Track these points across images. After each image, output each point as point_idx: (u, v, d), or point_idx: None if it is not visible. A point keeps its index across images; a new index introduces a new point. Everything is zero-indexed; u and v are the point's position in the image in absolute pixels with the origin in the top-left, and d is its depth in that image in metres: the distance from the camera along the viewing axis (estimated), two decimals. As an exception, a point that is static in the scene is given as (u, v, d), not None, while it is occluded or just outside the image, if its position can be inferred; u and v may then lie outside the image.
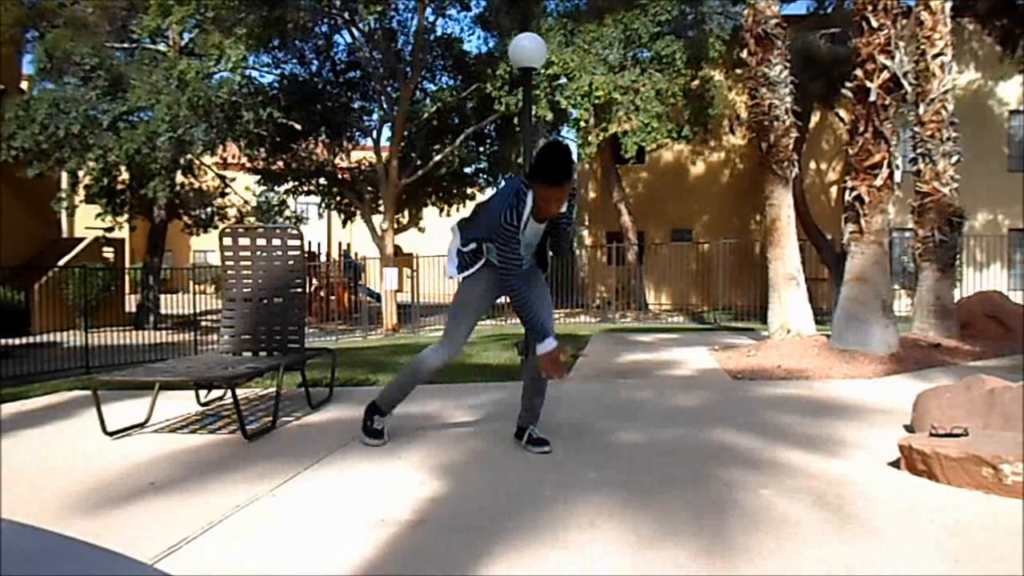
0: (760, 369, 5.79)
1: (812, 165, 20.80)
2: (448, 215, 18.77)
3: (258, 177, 18.83)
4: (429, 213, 20.55)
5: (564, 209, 3.02)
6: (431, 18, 16.44)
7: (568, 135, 17.86)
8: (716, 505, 2.48)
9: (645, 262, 19.56)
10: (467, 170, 18.81)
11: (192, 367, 4.03)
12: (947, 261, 7.76)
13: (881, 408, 4.14)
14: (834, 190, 20.50)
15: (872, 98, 6.24)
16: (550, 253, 3.32)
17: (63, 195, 16.04)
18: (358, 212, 18.67)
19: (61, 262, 17.36)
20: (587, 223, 21.74)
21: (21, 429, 3.99)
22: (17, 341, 12.60)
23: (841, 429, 3.61)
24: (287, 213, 19.28)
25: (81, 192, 16.38)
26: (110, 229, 17.71)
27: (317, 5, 14.94)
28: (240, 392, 4.40)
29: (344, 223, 21.22)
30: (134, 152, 14.06)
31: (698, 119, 15.54)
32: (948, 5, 7.65)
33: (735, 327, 12.70)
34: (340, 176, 18.69)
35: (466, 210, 17.94)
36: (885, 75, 6.21)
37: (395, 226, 17.84)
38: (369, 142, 18.53)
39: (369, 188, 18.10)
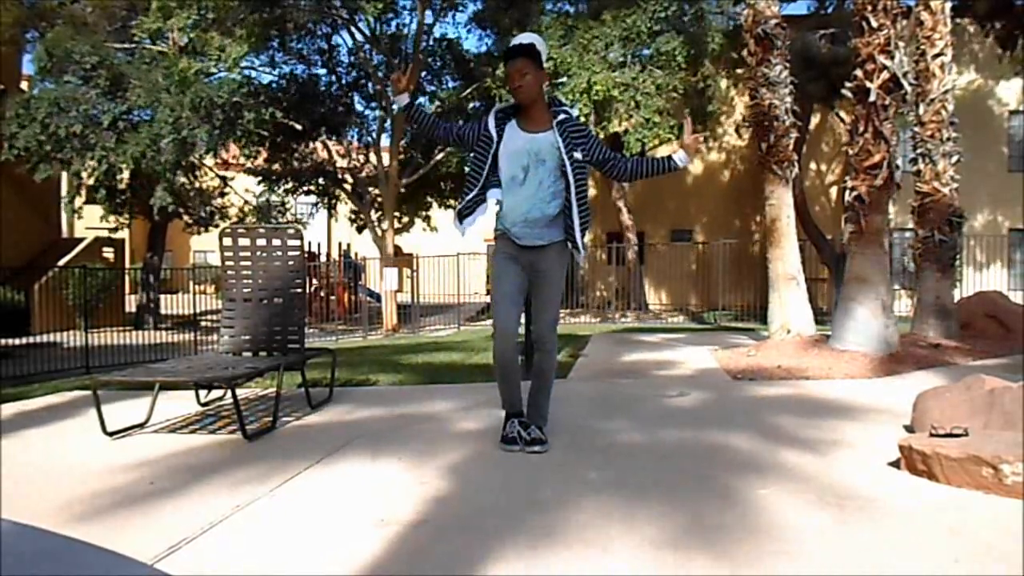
0: (760, 369, 5.79)
1: (812, 165, 20.79)
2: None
3: (258, 178, 18.82)
4: (437, 213, 20.55)
5: (561, 120, 3.33)
6: (431, 18, 16.43)
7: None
8: (717, 505, 2.48)
9: (645, 262, 19.55)
10: (467, 170, 18.84)
11: (192, 367, 4.03)
12: (947, 261, 7.75)
13: (881, 408, 4.14)
14: (834, 190, 20.50)
15: (872, 98, 6.23)
16: (580, 233, 3.38)
17: (66, 197, 16.04)
18: (360, 213, 18.68)
19: (61, 262, 17.35)
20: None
21: (21, 429, 3.99)
22: (17, 341, 12.60)
23: (841, 429, 3.61)
24: (287, 216, 19.26)
25: (83, 193, 16.39)
26: (114, 229, 17.70)
27: (317, 5, 14.94)
28: (240, 392, 4.39)
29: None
30: (139, 156, 14.05)
31: (697, 117, 15.53)
32: (948, 5, 7.65)
33: (735, 327, 12.71)
34: (340, 176, 18.69)
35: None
36: (885, 75, 6.20)
37: (395, 226, 17.85)
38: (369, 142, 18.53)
39: (369, 188, 18.10)
